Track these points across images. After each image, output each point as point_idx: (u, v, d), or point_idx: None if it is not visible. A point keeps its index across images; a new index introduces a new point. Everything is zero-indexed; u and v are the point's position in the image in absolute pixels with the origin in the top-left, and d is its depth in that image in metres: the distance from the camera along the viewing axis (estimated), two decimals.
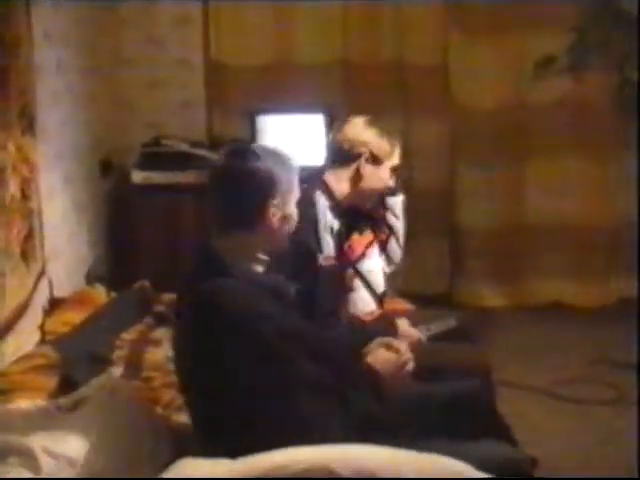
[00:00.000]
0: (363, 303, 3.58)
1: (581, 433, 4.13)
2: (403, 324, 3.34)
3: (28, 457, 2.43)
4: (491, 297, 6.09)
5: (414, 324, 3.37)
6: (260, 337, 2.34)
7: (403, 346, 2.69)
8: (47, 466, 2.42)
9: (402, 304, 3.84)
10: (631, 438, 3.93)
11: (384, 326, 3.26)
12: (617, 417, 4.28)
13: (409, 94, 5.88)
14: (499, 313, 5.89)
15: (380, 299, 3.66)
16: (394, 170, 3.48)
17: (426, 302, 4.59)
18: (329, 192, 3.42)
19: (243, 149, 2.56)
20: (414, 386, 2.73)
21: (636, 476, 3.26)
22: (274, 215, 2.50)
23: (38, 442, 2.47)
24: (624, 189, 5.84)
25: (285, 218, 2.55)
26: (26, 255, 3.73)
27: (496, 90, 5.90)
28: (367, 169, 3.42)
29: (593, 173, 5.89)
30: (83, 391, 2.82)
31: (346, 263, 3.52)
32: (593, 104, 5.74)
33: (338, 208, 3.43)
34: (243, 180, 2.48)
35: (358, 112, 3.54)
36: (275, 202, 2.50)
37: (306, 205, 3.32)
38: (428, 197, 5.91)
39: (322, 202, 3.38)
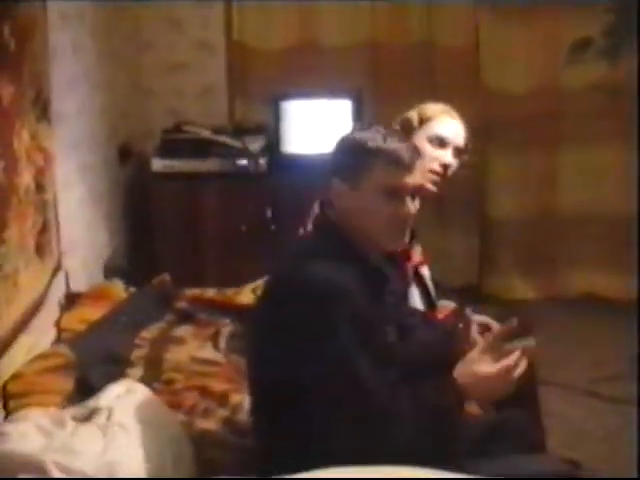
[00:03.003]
0: (414, 302, 3.36)
1: (623, 434, 3.95)
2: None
3: (39, 472, 2.27)
4: (522, 289, 5.90)
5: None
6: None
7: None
8: None
9: (451, 306, 3.60)
10: None
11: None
12: None
13: (438, 77, 5.64)
14: (530, 306, 5.68)
15: (432, 304, 3.44)
16: (458, 152, 3.28)
17: (454, 294, 4.39)
18: None
19: None
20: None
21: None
22: None
23: (50, 456, 2.30)
24: None
25: None
26: (41, 249, 3.55)
27: (528, 73, 5.69)
28: (431, 149, 3.23)
29: (628, 162, 5.67)
30: (98, 400, 2.64)
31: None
32: (628, 89, 5.51)
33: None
34: None
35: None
36: None
37: None
38: (457, 186, 5.70)
39: None
